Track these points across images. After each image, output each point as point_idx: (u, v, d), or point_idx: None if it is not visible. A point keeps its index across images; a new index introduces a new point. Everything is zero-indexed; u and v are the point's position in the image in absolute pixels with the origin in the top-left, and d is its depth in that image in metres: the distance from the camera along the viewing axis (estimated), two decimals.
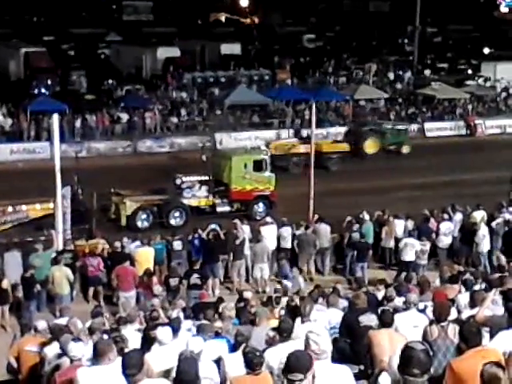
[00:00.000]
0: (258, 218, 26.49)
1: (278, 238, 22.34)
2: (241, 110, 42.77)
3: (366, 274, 20.91)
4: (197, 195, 27.23)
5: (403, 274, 19.59)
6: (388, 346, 8.52)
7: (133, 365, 6.74)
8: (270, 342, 8.67)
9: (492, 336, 8.11)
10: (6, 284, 18.17)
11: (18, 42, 59.57)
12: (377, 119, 43.55)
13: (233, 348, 9.29)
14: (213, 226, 22.07)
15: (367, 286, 17.14)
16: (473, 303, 10.50)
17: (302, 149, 33.15)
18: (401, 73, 58.27)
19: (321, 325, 9.73)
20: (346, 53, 66.15)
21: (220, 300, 15.16)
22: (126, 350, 8.19)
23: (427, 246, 21.62)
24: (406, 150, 39.03)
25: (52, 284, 18.64)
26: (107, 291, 19.90)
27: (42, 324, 11.16)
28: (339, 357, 8.69)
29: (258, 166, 27.63)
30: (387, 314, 9.51)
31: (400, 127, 41.09)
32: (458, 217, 23.56)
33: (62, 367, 8.91)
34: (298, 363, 6.10)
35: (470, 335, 7.50)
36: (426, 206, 24.37)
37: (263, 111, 43.38)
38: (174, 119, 41.93)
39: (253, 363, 7.55)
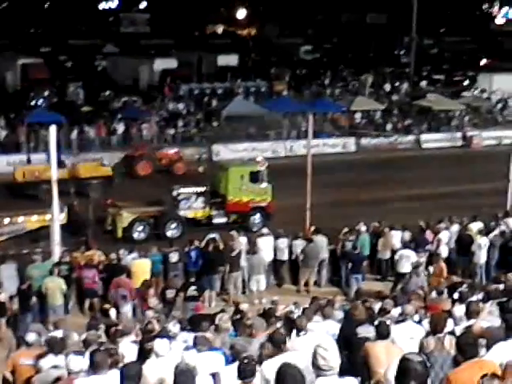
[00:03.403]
0: (255, 229, 26.45)
1: (275, 250, 22.34)
2: (237, 122, 42.80)
3: (360, 286, 20.86)
4: (193, 207, 27.19)
5: (399, 286, 19.65)
6: (385, 358, 8.50)
7: (131, 376, 6.82)
8: (266, 354, 8.62)
9: (489, 348, 8.10)
10: (3, 297, 18.11)
11: (14, 54, 59.62)
12: None
13: (229, 360, 9.25)
14: (211, 235, 22.03)
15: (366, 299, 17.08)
16: (468, 314, 10.49)
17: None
18: (397, 84, 58.41)
19: (329, 338, 9.55)
20: (342, 64, 66.33)
21: (222, 311, 15.07)
22: (121, 363, 8.18)
23: (423, 257, 21.60)
24: None
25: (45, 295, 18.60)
26: (103, 303, 19.81)
27: (31, 336, 11.08)
28: None
29: (255, 177, 27.62)
30: (383, 325, 9.49)
31: None
32: (455, 228, 23.57)
33: (59, 380, 8.89)
34: (295, 381, 6.08)
35: (466, 347, 7.51)
36: (423, 217, 24.38)
37: (260, 123, 43.41)
38: (171, 130, 41.94)
39: (241, 371, 7.45)
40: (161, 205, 27.03)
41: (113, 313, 15.32)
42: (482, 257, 22.30)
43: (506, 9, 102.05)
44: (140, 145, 37.67)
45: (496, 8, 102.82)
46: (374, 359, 8.65)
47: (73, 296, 19.99)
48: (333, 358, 6.60)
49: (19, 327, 17.40)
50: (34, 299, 18.48)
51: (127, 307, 17.96)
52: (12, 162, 33.96)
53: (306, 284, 22.14)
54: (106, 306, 17.72)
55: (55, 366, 9.47)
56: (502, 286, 14.55)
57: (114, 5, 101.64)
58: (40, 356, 10.17)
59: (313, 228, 23.35)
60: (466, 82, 60.55)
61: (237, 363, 7.83)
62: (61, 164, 31.03)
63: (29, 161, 33.97)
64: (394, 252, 22.35)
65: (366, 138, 43.50)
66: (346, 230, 22.75)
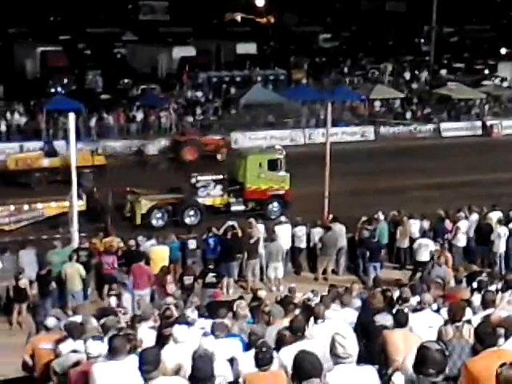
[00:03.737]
0: (273, 217, 26.50)
1: (293, 238, 22.34)
2: (256, 110, 42.74)
3: (378, 274, 20.78)
4: (212, 194, 27.26)
5: (418, 275, 19.56)
6: (402, 346, 8.48)
7: (150, 361, 6.87)
8: (283, 341, 8.63)
9: (507, 337, 8.05)
10: (23, 283, 18.27)
11: (34, 41, 59.88)
12: None
13: (247, 347, 9.28)
14: (230, 222, 22.08)
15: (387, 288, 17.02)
16: (484, 304, 10.43)
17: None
18: (417, 72, 58.07)
19: (347, 326, 9.57)
20: (361, 52, 66.00)
21: (240, 298, 15.09)
22: (140, 348, 8.23)
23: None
24: None
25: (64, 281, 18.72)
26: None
27: (51, 321, 11.16)
28: None
29: (273, 165, 27.62)
30: (401, 314, 9.46)
31: None
32: (474, 217, 23.45)
33: (79, 364, 8.95)
34: (314, 368, 6.07)
35: (485, 336, 7.47)
36: (442, 206, 24.28)
37: (278, 111, 43.32)
38: (189, 118, 42.00)
39: (259, 359, 7.50)
40: (179, 192, 27.10)
41: (113, 300, 15.41)
42: (501, 246, 22.21)
43: None
44: (187, 130, 38.72)
45: None
46: (391, 347, 8.63)
47: (92, 282, 20.11)
48: (351, 345, 6.65)
49: (38, 312, 17.54)
50: (54, 285, 18.63)
51: (127, 295, 17.96)
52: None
53: (324, 272, 22.14)
54: (112, 292, 17.77)
55: (74, 351, 9.53)
56: None
57: None
58: (59, 340, 10.24)
59: (331, 216, 23.32)
60: (487, 71, 60.06)
61: (254, 350, 7.87)
62: (54, 153, 31.37)
63: (21, 149, 34.05)
64: (412, 240, 22.29)
65: (385, 127, 43.34)
66: (364, 218, 22.70)
